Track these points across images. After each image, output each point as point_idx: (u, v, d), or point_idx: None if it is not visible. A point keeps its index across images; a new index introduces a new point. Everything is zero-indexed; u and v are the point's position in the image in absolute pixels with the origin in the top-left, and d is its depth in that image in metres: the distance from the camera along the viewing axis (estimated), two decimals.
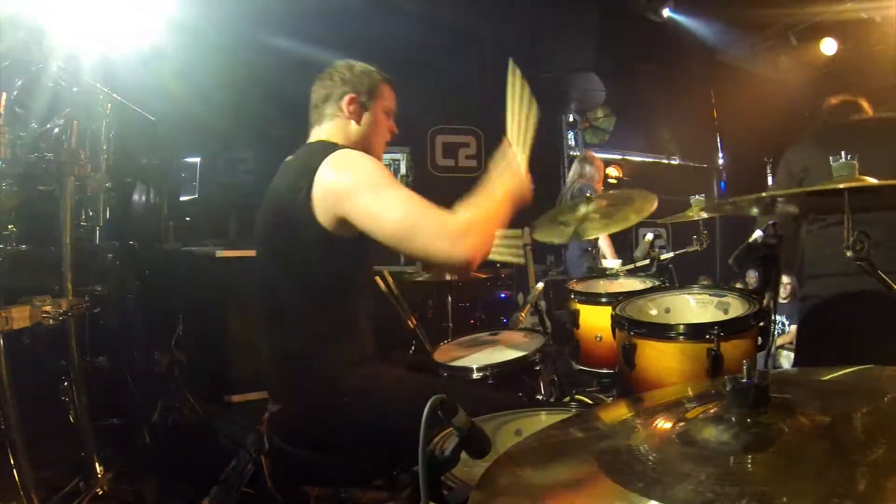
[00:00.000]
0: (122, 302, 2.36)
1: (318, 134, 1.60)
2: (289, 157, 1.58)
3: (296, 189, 1.40)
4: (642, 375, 1.52)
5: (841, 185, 1.15)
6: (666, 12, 5.28)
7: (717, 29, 5.53)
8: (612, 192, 3.28)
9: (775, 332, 1.73)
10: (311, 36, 4.91)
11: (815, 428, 0.64)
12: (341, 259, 1.41)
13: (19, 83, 2.35)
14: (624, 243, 3.96)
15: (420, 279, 3.45)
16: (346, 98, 1.58)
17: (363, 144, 1.60)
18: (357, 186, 1.35)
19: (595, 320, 2.01)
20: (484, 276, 3.74)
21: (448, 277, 3.24)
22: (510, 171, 1.42)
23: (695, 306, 1.72)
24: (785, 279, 4.86)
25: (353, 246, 1.41)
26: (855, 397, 0.74)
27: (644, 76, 6.22)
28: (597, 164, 4.21)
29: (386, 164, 5.97)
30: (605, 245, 3.81)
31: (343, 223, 1.36)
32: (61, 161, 1.85)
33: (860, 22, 4.78)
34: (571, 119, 6.12)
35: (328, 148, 1.45)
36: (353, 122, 1.60)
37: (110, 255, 2.37)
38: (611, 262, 3.16)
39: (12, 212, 2.17)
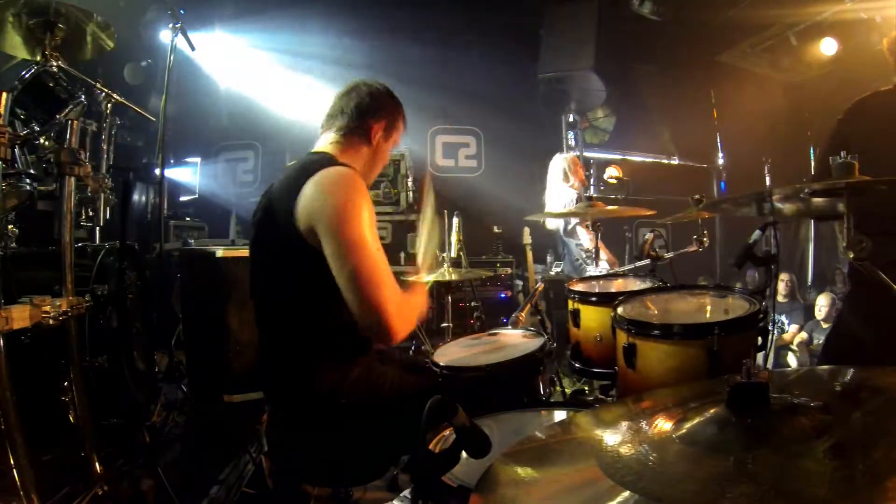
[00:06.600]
0: (122, 302, 2.36)
1: (325, 142, 1.60)
2: (293, 161, 1.59)
3: (287, 193, 1.42)
4: (642, 375, 1.51)
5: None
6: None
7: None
8: None
9: (775, 332, 1.72)
10: (310, 36, 4.92)
11: (815, 428, 0.64)
12: (326, 262, 1.40)
13: (19, 83, 2.36)
14: (622, 243, 3.95)
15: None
16: (378, 123, 1.60)
17: (368, 167, 1.63)
18: (330, 219, 1.36)
19: (595, 320, 2.00)
20: (484, 277, 3.73)
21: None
22: (421, 300, 1.61)
23: (695, 306, 1.71)
24: (784, 276, 4.86)
25: None
26: (855, 397, 0.74)
27: (644, 76, 6.21)
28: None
29: (386, 165, 6.03)
30: (583, 234, 3.79)
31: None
32: (61, 161, 1.85)
33: (860, 22, 4.78)
34: (571, 119, 6.11)
35: (327, 162, 1.46)
36: (368, 145, 1.60)
37: (110, 256, 2.37)
38: (599, 266, 3.11)
39: (12, 212, 2.17)
